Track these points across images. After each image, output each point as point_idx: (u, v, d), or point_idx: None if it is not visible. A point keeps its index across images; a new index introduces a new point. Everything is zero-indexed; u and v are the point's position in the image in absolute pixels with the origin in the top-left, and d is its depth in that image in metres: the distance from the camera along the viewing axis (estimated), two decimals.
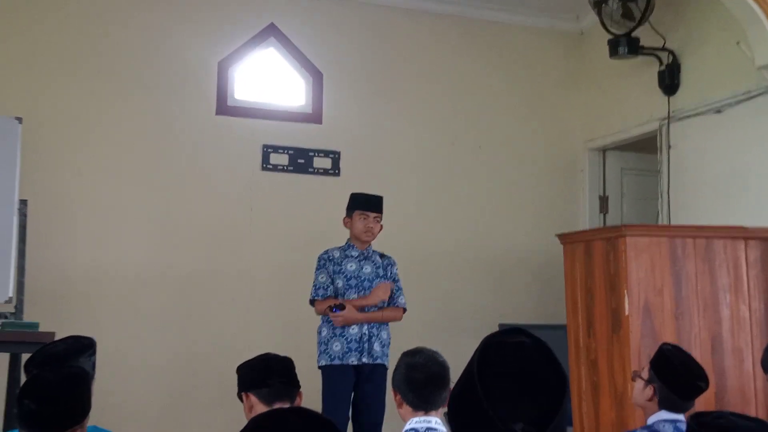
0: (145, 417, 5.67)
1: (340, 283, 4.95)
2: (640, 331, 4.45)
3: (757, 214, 5.13)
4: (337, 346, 4.85)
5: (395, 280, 5.08)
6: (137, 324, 5.76)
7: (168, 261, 5.90)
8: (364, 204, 5.03)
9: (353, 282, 4.95)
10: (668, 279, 4.56)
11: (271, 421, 1.26)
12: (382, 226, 5.08)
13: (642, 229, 4.75)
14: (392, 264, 5.11)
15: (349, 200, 5.09)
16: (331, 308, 4.82)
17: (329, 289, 4.94)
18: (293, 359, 3.30)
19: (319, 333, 4.95)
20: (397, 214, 5.78)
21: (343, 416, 4.76)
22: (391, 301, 5.02)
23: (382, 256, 5.10)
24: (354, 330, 4.86)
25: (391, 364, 4.15)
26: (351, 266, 4.99)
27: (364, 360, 4.84)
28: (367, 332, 4.88)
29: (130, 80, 5.92)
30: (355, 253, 5.03)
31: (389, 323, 5.03)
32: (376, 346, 4.88)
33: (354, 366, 4.85)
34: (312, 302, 4.98)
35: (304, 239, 6.00)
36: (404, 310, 5.07)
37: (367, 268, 4.98)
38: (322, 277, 4.98)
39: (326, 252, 5.05)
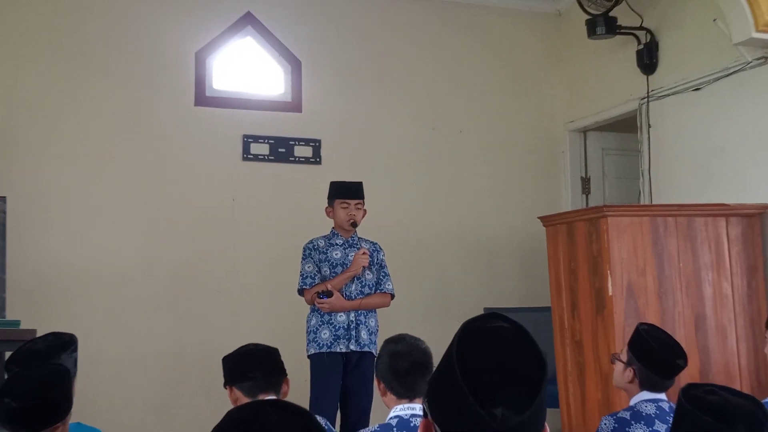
0: (131, 412, 5.64)
1: (326, 270, 4.94)
2: (623, 311, 4.47)
3: (737, 190, 5.14)
4: (325, 334, 4.84)
5: (382, 266, 5.07)
6: (121, 319, 5.73)
7: (151, 254, 5.87)
8: (343, 192, 5.02)
9: (339, 270, 4.94)
10: (650, 258, 4.58)
11: (247, 413, 1.25)
12: (366, 210, 5.07)
13: (623, 209, 4.76)
14: (378, 250, 5.10)
15: (329, 189, 5.08)
16: (318, 294, 4.82)
17: (316, 277, 4.94)
18: (280, 348, 3.30)
19: (308, 322, 4.94)
20: (380, 200, 5.77)
21: (331, 404, 4.77)
22: (378, 287, 5.02)
23: (368, 242, 5.09)
24: (341, 317, 4.86)
25: None
26: (336, 254, 4.98)
27: (352, 347, 4.84)
28: (354, 320, 4.88)
29: (107, 73, 5.87)
30: (339, 241, 5.02)
31: (377, 310, 5.03)
32: (364, 334, 4.88)
33: (342, 354, 4.85)
34: (300, 292, 4.98)
35: (288, 228, 5.99)
36: (392, 296, 5.06)
37: (353, 255, 4.97)
38: (308, 267, 4.97)
39: (311, 241, 5.04)
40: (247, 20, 6.23)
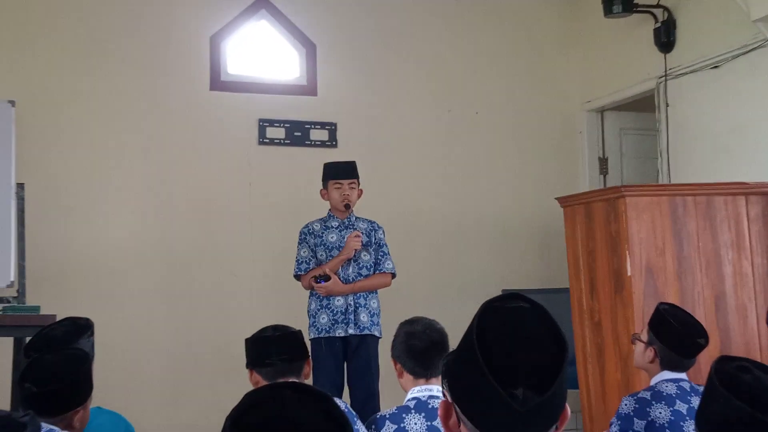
0: (149, 396, 5.66)
1: (322, 254, 4.91)
2: (642, 291, 4.44)
3: (757, 168, 5.10)
4: (323, 319, 4.82)
5: (380, 246, 5.00)
6: (139, 302, 5.75)
7: (168, 239, 5.89)
8: (336, 173, 4.97)
9: (335, 253, 4.88)
10: (669, 238, 4.54)
11: (264, 396, 1.25)
12: (361, 190, 5.01)
13: (641, 189, 4.73)
14: (376, 229, 5.02)
15: (323, 171, 5.04)
16: (315, 279, 4.80)
17: (312, 262, 4.91)
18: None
19: (308, 306, 4.92)
20: (396, 183, 5.76)
21: (332, 388, 4.72)
22: (377, 267, 4.97)
23: (365, 222, 5.04)
24: (339, 301, 4.82)
25: (385, 333, 4.12)
26: (332, 237, 4.93)
27: (351, 331, 4.80)
28: (352, 303, 4.83)
29: (123, 59, 5.88)
30: (335, 224, 4.97)
31: (379, 292, 4.99)
32: (363, 317, 4.83)
33: (342, 338, 4.83)
34: (296, 278, 4.96)
35: (304, 212, 5.94)
36: (393, 275, 5.01)
37: None
38: (303, 252, 4.94)
39: (306, 225, 5.01)
40: (262, 4, 6.21)
